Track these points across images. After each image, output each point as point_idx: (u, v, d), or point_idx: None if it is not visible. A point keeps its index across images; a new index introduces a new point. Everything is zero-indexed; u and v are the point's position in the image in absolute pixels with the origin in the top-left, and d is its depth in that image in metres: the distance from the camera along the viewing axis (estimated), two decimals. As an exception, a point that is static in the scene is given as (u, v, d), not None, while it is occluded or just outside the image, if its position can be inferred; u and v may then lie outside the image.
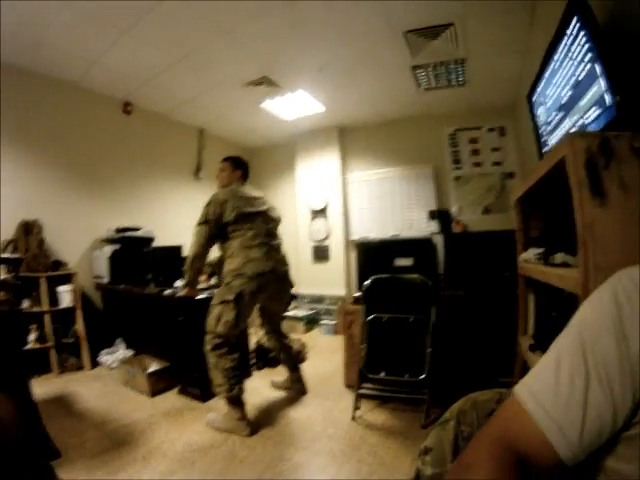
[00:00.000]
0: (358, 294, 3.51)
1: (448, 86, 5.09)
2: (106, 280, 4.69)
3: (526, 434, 0.71)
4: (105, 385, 3.86)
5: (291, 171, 7.42)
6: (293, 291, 3.60)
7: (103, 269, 4.71)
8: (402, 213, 6.39)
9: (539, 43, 2.98)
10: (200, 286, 3.56)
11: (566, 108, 2.14)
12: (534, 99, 2.83)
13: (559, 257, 1.86)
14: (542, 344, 2.19)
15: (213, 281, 3.99)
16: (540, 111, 2.73)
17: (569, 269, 1.70)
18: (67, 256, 4.61)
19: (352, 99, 5.61)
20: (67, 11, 3.36)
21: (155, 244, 5.03)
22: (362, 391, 3.15)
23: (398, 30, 3.82)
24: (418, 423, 2.87)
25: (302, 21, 3.65)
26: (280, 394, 3.61)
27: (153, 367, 3.78)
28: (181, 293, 3.35)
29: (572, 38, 1.94)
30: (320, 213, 6.96)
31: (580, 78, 1.89)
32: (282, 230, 3.47)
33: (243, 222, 3.08)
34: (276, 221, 3.39)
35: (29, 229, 4.18)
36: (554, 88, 2.31)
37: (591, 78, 1.75)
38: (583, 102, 1.88)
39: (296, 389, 3.60)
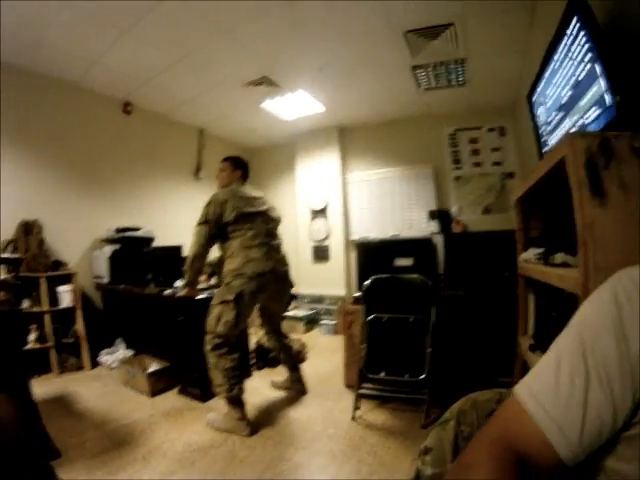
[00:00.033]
0: (358, 294, 3.51)
1: (448, 86, 5.09)
2: (106, 280, 4.69)
3: (526, 434, 0.71)
4: (105, 385, 3.86)
5: (291, 171, 7.42)
6: (293, 291, 3.60)
7: (103, 269, 4.71)
8: (402, 213, 6.39)
9: (539, 43, 2.98)
10: (200, 286, 3.56)
11: (566, 108, 2.14)
12: (534, 99, 2.83)
13: (559, 257, 1.85)
14: (542, 344, 2.19)
15: (213, 281, 3.99)
16: (540, 111, 2.73)
17: (569, 269, 1.70)
18: (67, 256, 4.61)
19: (352, 99, 5.61)
20: (67, 11, 3.36)
21: (155, 244, 5.03)
22: (362, 391, 3.14)
23: (398, 30, 3.81)
24: (418, 423, 2.87)
25: (302, 21, 3.65)
26: (280, 394, 3.61)
27: (153, 367, 3.78)
28: (181, 293, 3.35)
29: (572, 38, 1.94)
30: (320, 213, 6.96)
31: (580, 78, 1.89)
32: (282, 230, 3.47)
33: (243, 222, 3.08)
34: (276, 221, 3.39)
35: (29, 229, 4.18)
36: (554, 88, 2.31)
37: (591, 78, 1.75)
38: (583, 102, 1.88)
39: (296, 389, 3.60)
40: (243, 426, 2.84)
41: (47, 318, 4.11)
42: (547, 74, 2.42)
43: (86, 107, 4.99)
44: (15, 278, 3.24)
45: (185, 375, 3.63)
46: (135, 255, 4.63)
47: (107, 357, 4.39)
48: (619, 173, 1.32)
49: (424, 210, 6.15)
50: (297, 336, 5.30)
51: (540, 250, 2.18)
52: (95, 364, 4.40)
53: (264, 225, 3.20)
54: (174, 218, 6.03)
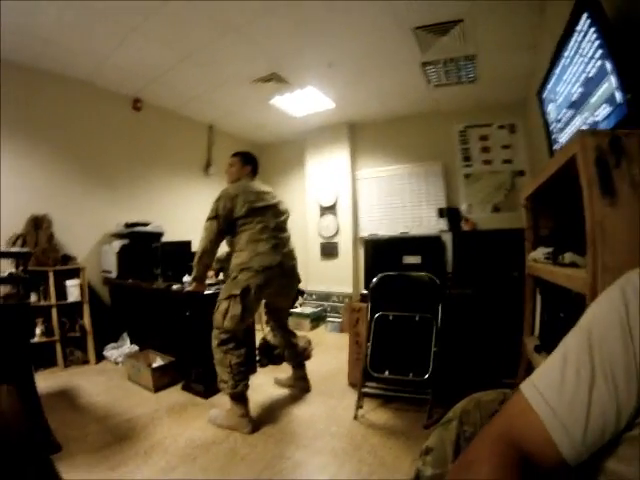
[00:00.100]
0: (365, 292, 3.49)
1: (458, 83, 5.03)
2: (114, 275, 4.72)
3: (530, 431, 0.70)
4: (109, 379, 3.87)
5: (301, 167, 7.39)
6: (300, 287, 3.58)
7: (111, 264, 4.74)
8: (411, 210, 6.35)
9: (549, 39, 2.94)
10: (208, 281, 3.55)
11: (576, 105, 2.11)
12: (544, 96, 2.80)
13: (568, 257, 1.82)
14: (548, 345, 2.17)
15: (221, 277, 3.99)
16: (550, 108, 2.70)
17: (577, 269, 1.68)
18: (76, 250, 4.64)
19: (362, 95, 5.57)
20: (75, 9, 3.37)
21: (165, 239, 5.03)
22: (365, 390, 3.13)
23: (407, 26, 3.77)
24: (420, 423, 2.85)
25: (310, 18, 3.62)
26: (283, 391, 3.60)
27: (158, 362, 3.79)
28: (189, 288, 3.36)
29: (582, 35, 1.91)
30: (329, 210, 6.92)
31: (590, 75, 1.86)
32: (291, 226, 3.45)
33: (254, 216, 3.07)
34: (285, 214, 3.37)
35: (39, 224, 4.22)
36: (564, 85, 2.28)
37: (601, 75, 1.72)
38: (593, 99, 1.85)
39: (300, 387, 3.59)
40: (245, 423, 2.83)
41: (54, 312, 4.13)
42: (557, 71, 2.39)
43: (96, 104, 5.01)
44: (24, 272, 3.24)
45: (189, 371, 3.63)
46: (144, 250, 4.62)
47: (112, 351, 4.41)
48: (630, 172, 1.29)
49: (433, 208, 6.11)
50: (303, 333, 5.29)
51: (549, 249, 2.15)
52: (100, 358, 4.41)
53: (274, 219, 3.19)
54: (184, 214, 6.04)
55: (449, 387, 2.65)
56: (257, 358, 4.26)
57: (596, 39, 1.75)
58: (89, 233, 4.91)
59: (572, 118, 2.20)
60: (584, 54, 1.90)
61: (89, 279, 4.57)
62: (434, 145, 6.21)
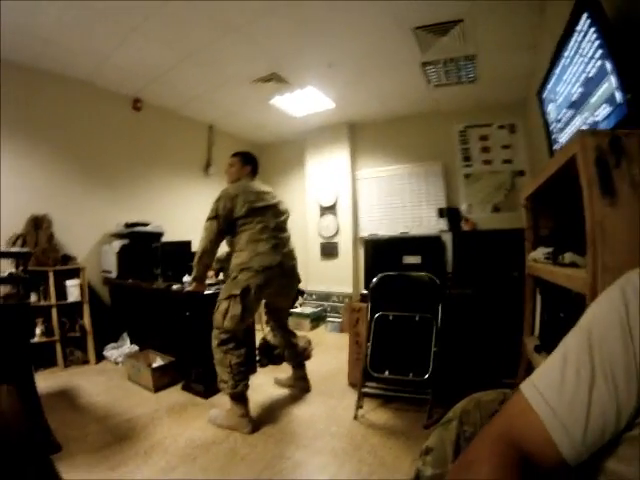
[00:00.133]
0: (365, 291, 3.49)
1: (458, 82, 5.03)
2: (114, 275, 4.71)
3: (530, 431, 0.70)
4: (109, 379, 3.87)
5: (301, 167, 7.38)
6: (300, 287, 3.58)
7: (111, 264, 4.73)
8: (412, 210, 6.34)
9: (549, 39, 2.94)
10: (208, 281, 3.55)
11: (576, 105, 2.11)
12: (544, 96, 2.80)
13: (568, 257, 1.82)
14: (548, 345, 2.17)
15: (221, 277, 3.99)
16: (550, 108, 2.70)
17: (577, 269, 1.68)
18: (76, 250, 4.64)
19: (361, 95, 5.56)
20: (75, 9, 3.37)
21: (165, 239, 5.03)
22: (365, 390, 3.13)
23: (407, 26, 3.77)
24: (420, 423, 2.85)
25: (311, 17, 3.62)
26: (283, 391, 3.60)
27: (158, 362, 3.78)
28: (189, 288, 3.36)
29: (582, 35, 1.91)
30: (329, 210, 6.91)
31: (590, 75, 1.86)
32: (291, 226, 3.44)
33: (254, 215, 3.07)
34: (285, 214, 3.37)
35: (39, 223, 4.22)
36: (564, 85, 2.28)
37: (601, 75, 1.72)
38: (593, 99, 1.85)
39: (300, 387, 3.59)
40: (245, 423, 2.83)
41: (54, 312, 4.12)
42: (557, 71, 2.39)
43: (96, 104, 5.01)
44: (24, 272, 3.24)
45: (189, 371, 3.63)
46: (144, 250, 4.62)
47: (112, 351, 4.41)
48: (630, 172, 1.29)
49: (433, 208, 6.10)
50: (303, 333, 5.29)
51: (549, 249, 2.15)
52: (100, 358, 4.41)
53: (274, 219, 3.19)
54: (184, 214, 6.04)
55: (449, 387, 2.65)
56: (257, 358, 4.25)
57: (596, 39, 1.74)
58: (89, 233, 4.91)
59: (572, 118, 2.20)
60: (584, 54, 1.90)
61: (89, 279, 4.57)
62: (434, 145, 6.20)
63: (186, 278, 3.84)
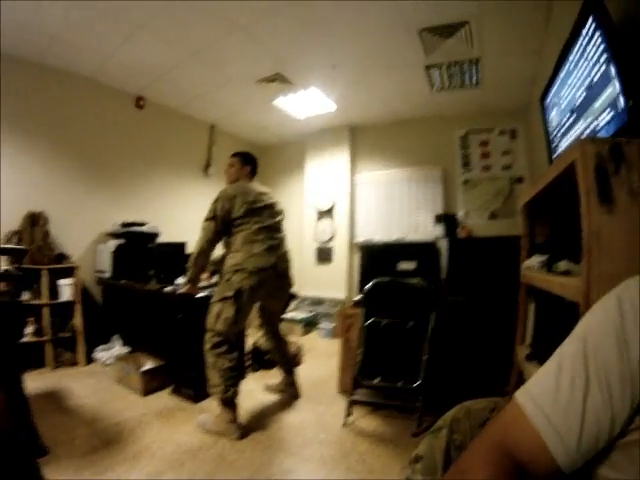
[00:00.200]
0: (358, 297, 3.47)
1: (462, 86, 5.03)
2: (108, 275, 4.68)
3: (524, 439, 0.70)
4: (98, 382, 3.82)
5: (300, 170, 7.37)
6: (292, 290, 3.56)
7: (106, 263, 4.70)
8: (409, 216, 6.31)
9: (554, 44, 2.93)
10: (201, 284, 3.52)
11: (579, 110, 2.10)
12: (547, 102, 2.78)
13: (562, 265, 1.81)
14: (539, 354, 2.15)
15: (215, 279, 3.96)
16: (552, 115, 2.69)
17: (571, 277, 1.67)
18: (71, 249, 4.61)
19: (364, 97, 5.57)
20: (81, 7, 3.40)
21: (162, 240, 5.01)
22: (355, 397, 3.09)
23: (413, 28, 3.77)
24: (410, 431, 2.83)
25: (315, 18, 3.63)
26: (273, 397, 3.56)
27: (147, 365, 3.74)
28: (182, 290, 3.34)
29: (588, 38, 1.90)
30: (326, 214, 6.90)
31: (595, 80, 1.84)
32: (287, 230, 3.44)
33: (251, 216, 3.06)
34: (281, 215, 3.37)
35: (35, 220, 4.20)
36: (568, 89, 2.26)
37: (605, 80, 1.71)
38: (597, 104, 1.83)
39: (289, 393, 3.56)
40: (234, 429, 2.79)
41: (46, 311, 4.09)
42: (562, 75, 2.37)
43: (99, 101, 5.03)
44: (17, 269, 3.22)
45: (179, 375, 3.59)
46: (139, 250, 4.57)
47: (102, 353, 4.36)
48: (629, 179, 1.29)
49: (431, 213, 6.09)
50: (294, 338, 5.25)
51: (544, 257, 2.14)
52: (90, 360, 4.36)
53: (270, 219, 3.18)
54: (182, 214, 6.03)
55: (439, 395, 2.63)
56: (249, 363, 4.22)
57: (601, 43, 1.73)
58: (85, 231, 4.89)
59: (574, 124, 2.19)
60: (589, 58, 1.89)
61: (82, 279, 4.54)
62: (434, 149, 6.20)
63: (179, 280, 3.81)
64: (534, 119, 4.35)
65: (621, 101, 1.57)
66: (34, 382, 3.55)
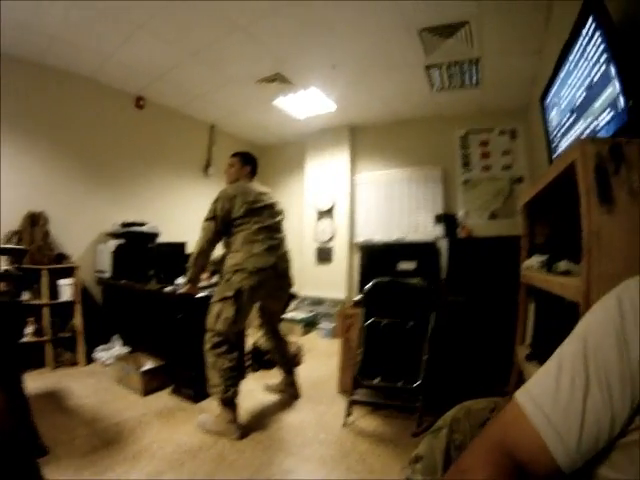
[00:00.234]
0: (358, 297, 3.47)
1: (462, 86, 5.02)
2: (108, 275, 4.67)
3: (524, 440, 0.70)
4: (98, 382, 3.82)
5: (300, 170, 7.36)
6: (292, 290, 3.55)
7: (106, 263, 4.69)
8: (409, 216, 6.29)
9: (554, 44, 2.92)
10: (201, 284, 3.52)
11: (579, 110, 2.09)
12: (547, 102, 2.78)
13: (563, 265, 1.81)
14: (539, 354, 2.15)
15: (215, 279, 3.96)
16: (552, 115, 2.68)
17: (571, 277, 1.66)
18: (71, 249, 4.60)
19: (364, 97, 5.56)
20: (81, 7, 3.40)
21: (162, 240, 5.00)
22: (355, 397, 3.09)
23: (413, 28, 3.76)
24: (410, 431, 2.83)
25: (316, 18, 3.63)
26: (273, 397, 3.56)
27: (147, 365, 3.74)
28: (182, 290, 3.34)
29: (588, 38, 1.89)
30: (326, 214, 6.89)
31: (595, 80, 1.84)
32: (287, 230, 3.44)
33: (251, 216, 3.06)
34: (281, 215, 3.37)
35: (35, 220, 4.20)
36: (568, 89, 2.26)
37: (605, 80, 1.70)
38: (597, 104, 1.83)
39: (289, 393, 3.56)
40: (234, 429, 2.79)
41: (46, 311, 4.09)
42: (562, 75, 2.37)
43: (98, 101, 5.02)
44: (17, 269, 3.21)
45: (179, 375, 3.59)
46: (139, 250, 4.57)
47: (102, 353, 4.36)
48: (629, 179, 1.29)
49: (431, 213, 6.08)
50: (294, 338, 5.25)
51: (544, 257, 2.14)
52: (90, 360, 4.36)
53: (270, 219, 3.18)
54: (182, 214, 6.02)
55: (439, 395, 2.63)
56: (249, 363, 4.22)
57: (601, 43, 1.73)
58: (85, 231, 4.89)
59: (574, 124, 2.19)
60: (589, 58, 1.88)
61: (82, 279, 4.54)
62: (434, 149, 6.19)
63: (179, 280, 3.80)
64: (534, 119, 4.34)
65: (621, 101, 1.57)
66: (34, 382, 3.55)
